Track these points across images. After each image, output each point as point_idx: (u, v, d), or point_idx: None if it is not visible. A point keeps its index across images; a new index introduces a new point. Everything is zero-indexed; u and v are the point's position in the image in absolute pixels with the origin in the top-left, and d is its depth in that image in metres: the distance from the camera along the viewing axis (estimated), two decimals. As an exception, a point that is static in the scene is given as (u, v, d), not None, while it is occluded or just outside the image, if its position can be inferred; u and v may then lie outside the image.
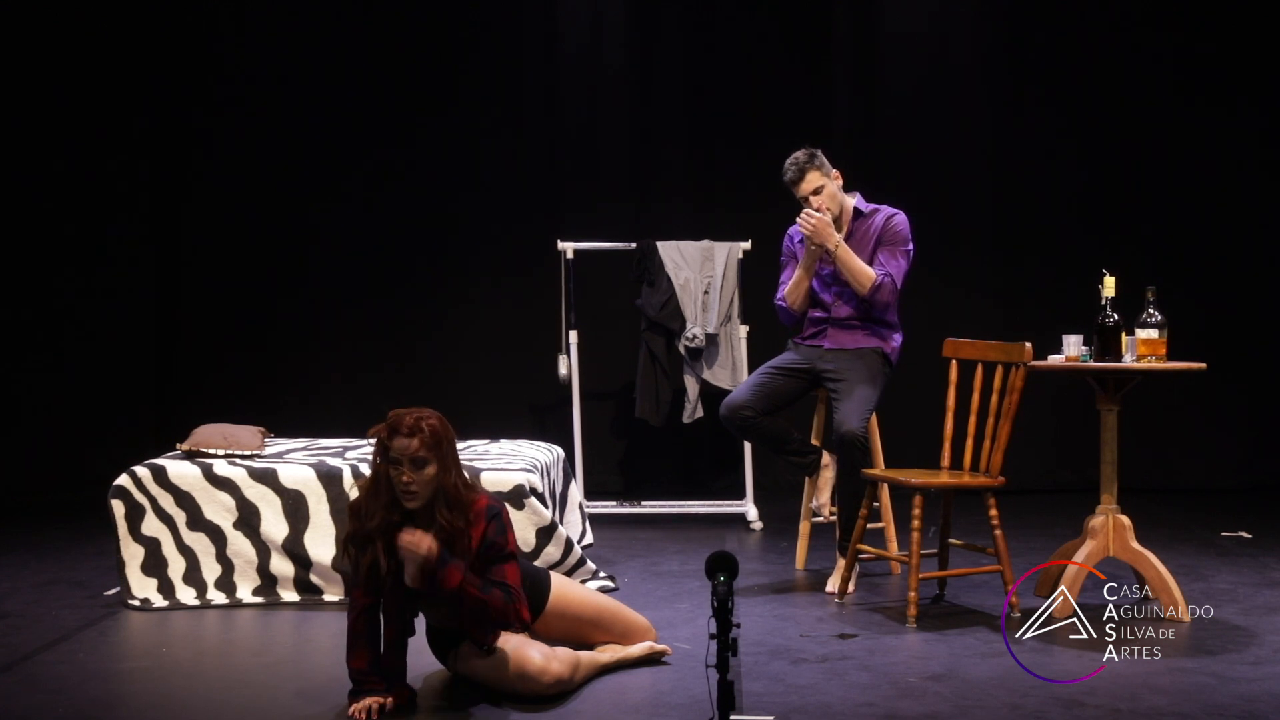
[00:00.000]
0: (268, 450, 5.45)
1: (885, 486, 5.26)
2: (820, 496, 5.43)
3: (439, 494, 3.83)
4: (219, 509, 5.12)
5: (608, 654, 4.20)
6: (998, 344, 5.00)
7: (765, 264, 6.09)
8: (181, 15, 7.50)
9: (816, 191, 5.29)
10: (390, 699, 3.83)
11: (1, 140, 7.27)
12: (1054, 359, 4.93)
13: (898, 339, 5.43)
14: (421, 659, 4.04)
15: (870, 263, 5.32)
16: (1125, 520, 4.88)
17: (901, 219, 5.37)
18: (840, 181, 5.39)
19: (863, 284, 5.26)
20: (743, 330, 6.64)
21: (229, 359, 7.50)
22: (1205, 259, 7.44)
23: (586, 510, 6.11)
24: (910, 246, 5.37)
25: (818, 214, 5.23)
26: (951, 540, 5.15)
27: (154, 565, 5.09)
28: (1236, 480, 7.44)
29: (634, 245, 6.75)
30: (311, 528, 5.09)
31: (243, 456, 5.27)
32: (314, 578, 5.10)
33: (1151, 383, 5.26)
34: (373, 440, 3.85)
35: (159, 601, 5.05)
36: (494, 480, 5.02)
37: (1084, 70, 7.47)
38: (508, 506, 4.96)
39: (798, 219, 5.29)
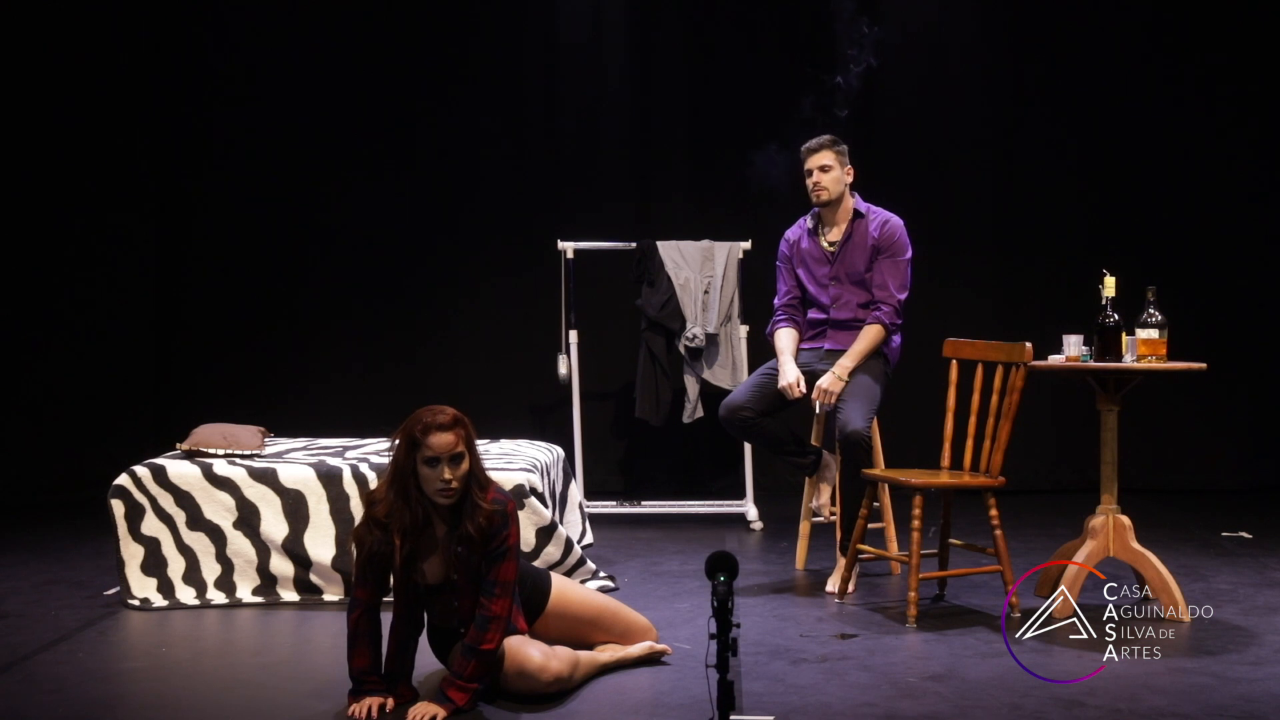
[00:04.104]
0: (268, 450, 5.45)
1: (885, 486, 5.26)
2: (820, 497, 5.44)
3: (469, 487, 3.81)
4: (219, 509, 5.12)
5: (607, 654, 4.20)
6: (998, 344, 5.00)
7: (765, 264, 6.09)
8: (182, 15, 7.50)
9: (824, 170, 5.38)
10: (391, 698, 3.83)
11: (1, 137, 7.27)
12: (1054, 359, 4.93)
13: (897, 339, 5.44)
14: (422, 659, 4.04)
15: (869, 269, 5.37)
16: (1125, 520, 4.88)
17: (898, 225, 5.40)
18: (851, 178, 5.46)
19: (879, 343, 5.33)
20: (743, 330, 6.64)
21: (229, 359, 7.50)
22: (1205, 259, 7.44)
23: (586, 510, 6.11)
24: (909, 254, 5.40)
25: (826, 390, 5.24)
26: (951, 540, 5.15)
27: (154, 565, 5.09)
28: (1236, 480, 7.44)
29: (634, 245, 6.75)
30: (311, 527, 5.09)
31: (243, 456, 5.27)
32: (314, 577, 5.10)
33: (1151, 383, 5.26)
34: (387, 440, 3.83)
35: (159, 601, 5.05)
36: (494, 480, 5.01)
37: (1084, 71, 7.46)
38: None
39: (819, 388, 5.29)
